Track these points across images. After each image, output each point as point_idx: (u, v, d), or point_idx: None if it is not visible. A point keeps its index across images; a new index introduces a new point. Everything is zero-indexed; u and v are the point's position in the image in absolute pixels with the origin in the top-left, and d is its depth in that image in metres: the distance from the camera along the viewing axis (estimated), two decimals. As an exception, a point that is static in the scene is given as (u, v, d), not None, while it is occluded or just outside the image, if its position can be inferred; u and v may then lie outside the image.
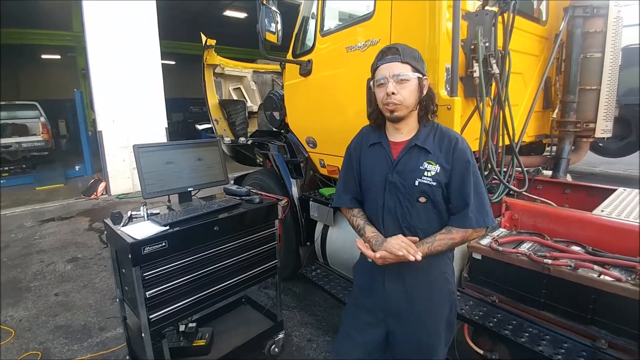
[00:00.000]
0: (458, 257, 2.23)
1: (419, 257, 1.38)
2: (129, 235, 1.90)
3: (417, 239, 1.48)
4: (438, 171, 1.46)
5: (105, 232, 2.24)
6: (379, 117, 1.59)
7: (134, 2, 7.84)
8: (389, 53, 1.47)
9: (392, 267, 1.50)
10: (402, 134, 1.55)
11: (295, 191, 3.32)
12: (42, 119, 11.02)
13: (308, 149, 3.25)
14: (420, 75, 1.48)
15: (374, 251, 1.49)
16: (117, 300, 2.34)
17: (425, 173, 1.47)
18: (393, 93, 1.44)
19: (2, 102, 11.21)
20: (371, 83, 1.56)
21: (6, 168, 10.26)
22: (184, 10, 13.48)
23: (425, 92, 1.50)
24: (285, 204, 3.11)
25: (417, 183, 1.47)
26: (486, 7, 2.09)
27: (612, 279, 1.66)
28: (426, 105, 1.52)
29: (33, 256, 4.81)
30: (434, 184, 1.46)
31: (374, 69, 1.53)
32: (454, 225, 1.48)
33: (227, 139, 4.41)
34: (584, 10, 2.72)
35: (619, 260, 1.80)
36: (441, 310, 1.58)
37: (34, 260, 4.68)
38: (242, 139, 4.17)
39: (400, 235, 1.48)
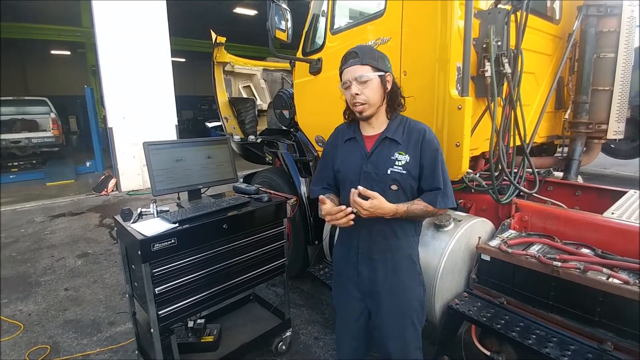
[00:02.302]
0: (467, 258, 2.23)
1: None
2: (138, 232, 1.92)
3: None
4: (408, 161, 1.60)
5: (115, 228, 2.26)
6: (352, 114, 1.74)
7: None
8: (350, 57, 1.62)
9: (363, 250, 1.69)
10: (374, 128, 1.70)
11: (304, 190, 3.33)
12: (53, 115, 11.09)
13: (317, 148, 3.25)
14: (382, 73, 1.60)
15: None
16: (127, 295, 2.36)
17: (397, 162, 1.60)
18: (357, 94, 1.58)
19: (11, 98, 11.30)
20: (339, 87, 1.69)
21: (16, 163, 10.38)
22: (194, 7, 13.51)
23: (389, 87, 1.64)
24: (294, 202, 3.12)
25: (389, 172, 1.61)
26: (499, 6, 2.07)
27: (620, 282, 1.64)
28: (391, 99, 1.66)
29: (43, 251, 4.87)
30: (404, 172, 1.60)
31: (340, 73, 1.67)
32: (424, 200, 1.62)
33: (237, 137, 4.42)
34: (598, 10, 2.69)
35: (628, 263, 1.78)
36: (412, 289, 1.72)
37: (44, 255, 4.74)
38: (251, 137, 4.18)
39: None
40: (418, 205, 1.60)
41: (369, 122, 1.69)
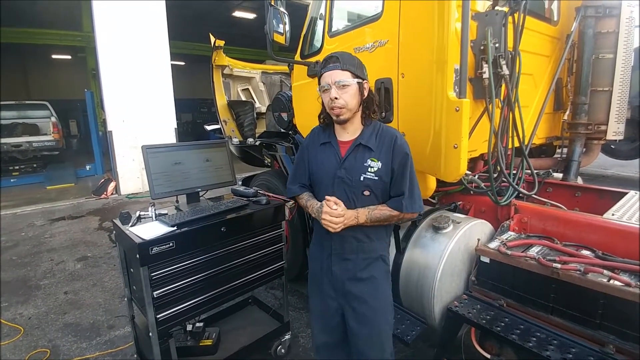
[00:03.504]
0: (466, 260, 2.22)
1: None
2: (137, 235, 1.92)
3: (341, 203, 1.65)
4: (380, 167, 1.65)
5: (114, 231, 2.26)
6: (328, 118, 1.78)
7: (144, 3, 7.92)
8: (330, 62, 1.64)
9: (336, 251, 1.74)
10: (348, 133, 1.74)
11: None
12: (53, 119, 11.15)
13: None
14: (360, 80, 1.65)
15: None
16: (126, 299, 2.36)
17: (369, 169, 1.66)
18: (336, 98, 1.61)
19: (13, 102, 11.35)
20: (318, 89, 1.71)
21: (17, 167, 10.41)
22: (194, 10, 13.54)
23: (366, 94, 1.69)
24: (293, 205, 3.11)
25: (362, 178, 1.66)
26: (496, 7, 2.06)
27: (621, 284, 1.63)
28: (367, 106, 1.71)
29: (43, 254, 4.87)
30: (376, 178, 1.65)
31: (319, 76, 1.69)
32: (389, 206, 1.68)
33: (236, 140, 4.42)
34: (596, 11, 2.69)
35: (629, 265, 1.77)
36: (385, 289, 1.78)
37: (44, 258, 4.74)
38: (250, 140, 4.18)
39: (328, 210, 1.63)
40: (381, 210, 1.67)
41: (344, 127, 1.73)
